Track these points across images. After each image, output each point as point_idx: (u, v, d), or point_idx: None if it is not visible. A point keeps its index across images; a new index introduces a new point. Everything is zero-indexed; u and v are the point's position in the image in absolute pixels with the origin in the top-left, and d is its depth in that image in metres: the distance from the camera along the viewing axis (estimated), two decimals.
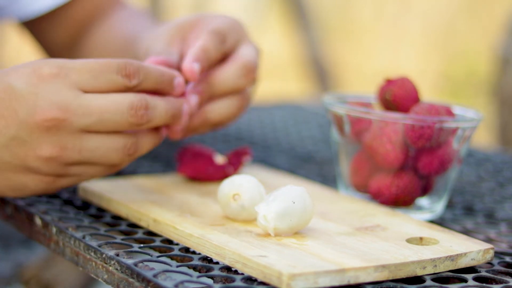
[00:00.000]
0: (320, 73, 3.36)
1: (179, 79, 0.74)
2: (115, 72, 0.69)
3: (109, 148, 0.70)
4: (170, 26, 0.82)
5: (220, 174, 0.81)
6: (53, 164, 0.69)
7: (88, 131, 0.68)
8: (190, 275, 0.60)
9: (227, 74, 0.79)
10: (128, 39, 0.92)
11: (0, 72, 0.69)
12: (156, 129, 0.73)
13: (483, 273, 0.65)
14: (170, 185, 0.80)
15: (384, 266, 0.61)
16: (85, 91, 0.68)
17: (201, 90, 0.78)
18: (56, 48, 1.01)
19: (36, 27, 1.01)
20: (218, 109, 0.80)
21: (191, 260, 0.65)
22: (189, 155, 0.83)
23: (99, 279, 0.66)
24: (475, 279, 0.64)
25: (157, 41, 0.81)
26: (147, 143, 0.72)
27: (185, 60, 0.77)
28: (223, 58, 0.80)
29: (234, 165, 0.82)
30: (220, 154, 0.86)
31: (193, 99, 0.77)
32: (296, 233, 0.67)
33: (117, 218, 0.74)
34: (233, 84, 0.79)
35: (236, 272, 0.62)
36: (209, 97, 0.79)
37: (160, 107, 0.71)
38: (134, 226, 0.72)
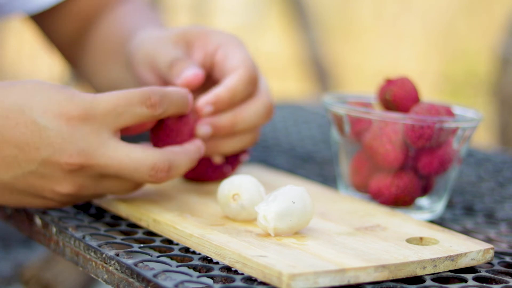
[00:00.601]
0: (320, 73, 3.36)
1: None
2: (139, 104, 0.69)
3: (121, 188, 0.71)
4: (172, 35, 0.82)
5: (218, 174, 0.81)
6: (68, 197, 0.70)
7: (107, 176, 0.70)
8: (190, 275, 0.60)
9: (250, 114, 0.79)
10: (127, 35, 0.92)
11: (19, 99, 0.68)
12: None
13: (483, 273, 0.65)
14: (170, 185, 0.80)
15: (384, 266, 0.61)
16: (112, 130, 0.68)
17: (219, 123, 0.78)
18: (62, 41, 1.01)
19: (42, 21, 1.01)
20: (232, 143, 0.80)
21: (191, 260, 0.65)
22: None
23: (99, 279, 0.66)
24: (475, 279, 0.64)
25: (162, 47, 0.80)
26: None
27: (203, 97, 0.77)
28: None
29: (231, 164, 0.82)
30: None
31: (204, 129, 0.77)
32: (296, 233, 0.67)
33: (117, 218, 0.74)
34: (254, 123, 0.79)
35: (236, 272, 0.62)
36: (227, 134, 0.79)
37: (181, 165, 0.71)
38: (134, 226, 0.72)
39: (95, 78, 0.98)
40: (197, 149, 0.73)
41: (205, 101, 0.77)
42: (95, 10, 0.99)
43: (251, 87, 0.78)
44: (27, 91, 0.69)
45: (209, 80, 0.82)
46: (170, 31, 0.83)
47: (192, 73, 0.77)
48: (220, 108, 0.77)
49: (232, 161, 0.82)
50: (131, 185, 0.71)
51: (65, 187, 0.69)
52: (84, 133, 0.68)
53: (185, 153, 0.72)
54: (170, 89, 0.71)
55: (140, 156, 0.69)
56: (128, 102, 0.69)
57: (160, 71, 0.80)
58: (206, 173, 0.80)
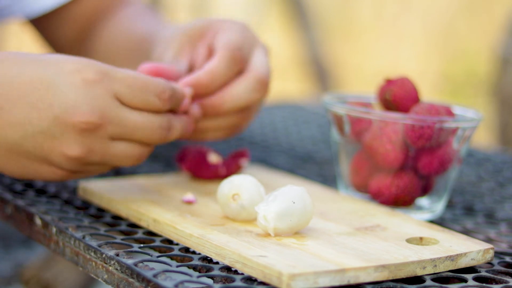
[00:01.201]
0: (320, 73, 3.36)
1: (186, 101, 0.76)
2: (154, 94, 0.71)
3: (127, 154, 0.71)
4: (179, 33, 0.83)
5: (211, 173, 0.81)
6: (75, 163, 0.70)
7: (116, 139, 0.70)
8: (190, 275, 0.60)
9: (239, 91, 0.79)
10: (141, 37, 0.92)
11: (34, 57, 0.69)
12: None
13: (483, 273, 0.65)
14: (170, 185, 0.80)
15: (384, 266, 0.61)
16: (121, 103, 0.70)
17: (209, 104, 0.79)
18: (63, 45, 1.01)
19: (42, 24, 1.01)
20: (225, 121, 0.80)
21: (191, 260, 0.65)
22: (187, 152, 0.83)
23: (99, 279, 0.66)
24: (475, 279, 0.64)
25: (167, 49, 0.81)
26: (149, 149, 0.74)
27: (182, 80, 0.78)
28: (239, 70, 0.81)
29: (228, 166, 0.82)
30: (218, 153, 0.86)
31: (186, 90, 0.77)
32: (296, 233, 0.67)
33: (117, 218, 0.74)
34: (246, 100, 0.80)
35: (236, 272, 0.62)
36: (218, 113, 0.80)
37: (178, 128, 0.74)
38: (134, 226, 0.72)
39: None
40: (189, 120, 0.76)
41: (184, 83, 0.78)
42: (96, 14, 0.99)
43: (235, 67, 0.79)
44: (44, 54, 0.70)
45: None
46: (176, 33, 0.83)
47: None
48: (201, 91, 0.78)
49: (229, 164, 0.82)
50: (138, 150, 0.71)
51: (74, 149, 0.69)
52: (99, 94, 0.68)
53: (180, 119, 0.74)
54: (177, 87, 0.73)
55: (150, 117, 0.71)
56: (144, 86, 0.70)
57: None
58: (200, 171, 0.81)
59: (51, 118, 0.68)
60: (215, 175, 0.81)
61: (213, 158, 0.83)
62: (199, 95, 0.79)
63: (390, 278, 0.62)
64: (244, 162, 0.83)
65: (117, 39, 0.96)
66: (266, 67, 0.81)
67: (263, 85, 0.80)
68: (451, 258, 0.64)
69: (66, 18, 0.99)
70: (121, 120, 0.69)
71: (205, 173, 0.81)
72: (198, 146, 0.84)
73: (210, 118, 0.80)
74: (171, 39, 0.83)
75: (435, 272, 0.64)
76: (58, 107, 0.67)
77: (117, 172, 0.87)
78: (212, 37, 0.82)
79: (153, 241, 0.69)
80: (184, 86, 0.77)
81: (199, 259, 0.65)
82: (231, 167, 0.82)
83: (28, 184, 0.82)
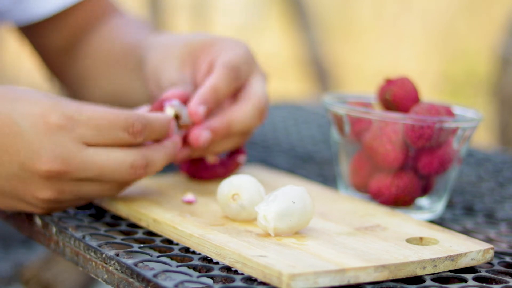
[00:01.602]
0: (320, 73, 3.36)
1: (176, 139, 0.75)
2: (122, 129, 0.70)
3: (101, 191, 0.71)
4: (180, 43, 0.83)
5: (210, 174, 0.81)
6: (49, 203, 0.71)
7: (85, 180, 0.70)
8: (190, 275, 0.60)
9: (243, 116, 0.80)
10: (129, 46, 0.92)
11: (6, 100, 0.69)
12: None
13: (483, 273, 0.65)
14: (170, 185, 0.80)
15: (384, 266, 0.61)
16: (88, 145, 0.69)
17: (216, 128, 0.79)
18: (51, 53, 1.01)
19: (33, 32, 1.01)
20: (224, 144, 0.81)
21: (191, 260, 0.65)
22: None
23: (99, 279, 0.66)
24: (475, 279, 0.64)
25: (167, 64, 0.81)
26: (123, 189, 0.73)
27: (192, 101, 0.77)
28: (235, 92, 0.81)
29: (225, 165, 0.82)
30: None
31: (204, 135, 0.78)
32: (296, 233, 0.67)
33: (117, 218, 0.74)
34: (248, 125, 0.80)
35: (236, 272, 0.62)
36: (227, 135, 0.80)
37: (158, 161, 0.72)
38: (134, 226, 0.72)
39: (88, 88, 0.99)
40: (174, 144, 0.74)
41: (194, 104, 0.77)
42: (88, 23, 0.99)
43: (234, 83, 0.79)
44: (15, 94, 0.70)
45: None
46: (177, 41, 0.83)
47: (196, 112, 0.77)
48: (210, 106, 0.78)
49: (227, 163, 0.82)
50: (111, 187, 0.71)
51: (44, 193, 0.69)
52: (61, 141, 0.68)
53: (161, 149, 0.73)
54: (153, 117, 0.72)
55: (119, 155, 0.70)
56: (111, 124, 0.69)
57: (163, 90, 0.80)
58: (198, 171, 0.81)
59: (19, 163, 0.68)
60: (214, 175, 0.81)
61: (210, 158, 0.83)
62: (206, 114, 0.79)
63: (390, 278, 0.62)
64: (242, 158, 0.83)
65: (107, 47, 0.96)
66: (265, 96, 0.82)
67: (263, 112, 0.81)
68: (451, 258, 0.64)
69: (58, 25, 0.99)
70: (86, 165, 0.69)
71: (204, 174, 0.81)
72: None
73: (218, 141, 0.80)
74: (172, 47, 0.83)
75: (435, 272, 0.64)
76: (24, 154, 0.68)
77: None
78: (214, 54, 0.82)
79: (153, 241, 0.69)
80: (197, 106, 0.77)
81: (199, 259, 0.65)
82: (229, 166, 0.82)
83: None
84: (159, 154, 0.72)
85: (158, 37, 0.88)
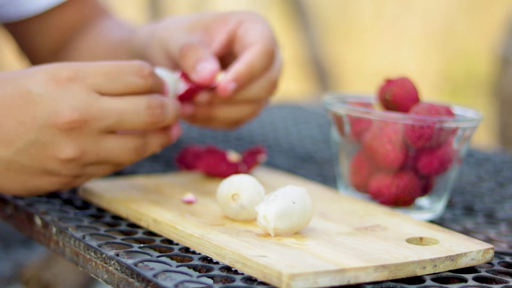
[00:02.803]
0: (320, 73, 3.36)
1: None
2: (132, 74, 0.70)
3: (123, 148, 0.71)
4: (188, 20, 0.83)
5: (233, 171, 0.81)
6: (72, 166, 0.70)
7: (106, 132, 0.70)
8: (190, 275, 0.60)
9: (254, 85, 0.81)
10: (119, 41, 0.92)
11: (12, 75, 0.70)
12: (164, 130, 0.73)
13: (483, 273, 0.65)
14: (170, 185, 0.80)
15: (384, 266, 0.61)
16: (101, 94, 0.69)
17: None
18: (39, 54, 1.01)
19: (22, 31, 1.01)
20: (231, 111, 0.81)
21: (191, 260, 0.65)
22: (202, 152, 0.83)
23: (99, 279, 0.66)
24: (475, 279, 0.64)
25: (175, 33, 0.82)
26: (156, 143, 0.73)
27: (226, 75, 0.78)
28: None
29: (248, 163, 0.83)
30: (234, 152, 0.87)
31: (231, 85, 0.78)
32: (296, 233, 0.67)
33: (117, 218, 0.74)
34: (257, 95, 0.81)
35: (236, 272, 0.62)
36: (227, 102, 0.80)
37: (170, 106, 0.73)
38: (134, 226, 0.72)
39: None
40: (177, 102, 0.75)
41: (227, 80, 0.78)
42: (77, 24, 0.99)
43: (269, 61, 0.80)
44: (17, 72, 0.71)
45: (231, 56, 0.83)
46: (185, 18, 0.83)
47: (209, 71, 0.78)
48: (241, 84, 0.78)
49: (249, 161, 0.83)
50: (133, 140, 0.71)
51: (66, 151, 0.69)
52: (76, 92, 0.68)
53: (169, 98, 0.73)
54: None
55: (134, 100, 0.70)
56: (121, 70, 0.70)
57: (173, 57, 0.81)
58: (219, 167, 0.81)
59: (37, 128, 0.68)
60: (236, 172, 0.81)
61: (233, 156, 0.83)
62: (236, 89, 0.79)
63: (390, 278, 0.62)
64: (262, 158, 0.84)
65: (95, 48, 0.97)
66: (279, 72, 0.82)
67: (274, 86, 0.82)
68: (451, 258, 0.64)
69: (48, 25, 0.99)
70: (104, 112, 0.69)
71: (226, 171, 0.81)
72: (198, 147, 0.85)
73: (224, 106, 0.80)
74: (180, 22, 0.83)
75: (435, 272, 0.64)
76: (41, 117, 0.68)
77: (117, 172, 0.87)
78: (235, 25, 0.81)
79: (153, 241, 0.69)
80: (228, 83, 0.78)
81: (199, 259, 0.65)
82: (250, 164, 0.83)
83: None
84: (169, 100, 0.73)
85: (155, 25, 0.88)
